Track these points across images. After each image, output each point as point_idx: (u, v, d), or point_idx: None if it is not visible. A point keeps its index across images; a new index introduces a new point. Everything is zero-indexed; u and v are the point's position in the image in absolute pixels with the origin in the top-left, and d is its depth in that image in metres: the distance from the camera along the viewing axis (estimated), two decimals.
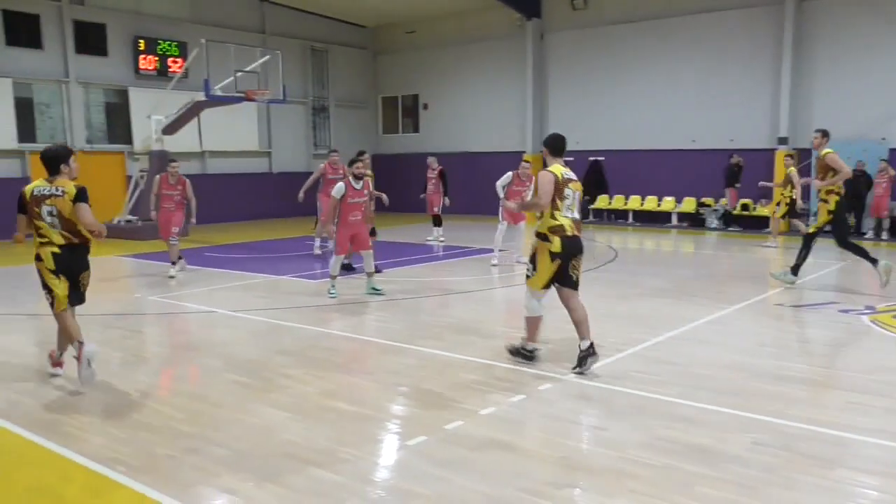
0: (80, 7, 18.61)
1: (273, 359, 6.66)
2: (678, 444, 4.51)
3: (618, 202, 20.91)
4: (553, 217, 6.04)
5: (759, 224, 18.15)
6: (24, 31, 17.76)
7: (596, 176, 21.19)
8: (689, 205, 19.62)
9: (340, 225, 9.45)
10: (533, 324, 6.32)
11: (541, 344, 6.44)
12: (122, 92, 19.63)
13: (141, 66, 19.72)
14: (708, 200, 19.30)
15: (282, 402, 5.40)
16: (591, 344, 6.04)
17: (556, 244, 6.03)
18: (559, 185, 6.03)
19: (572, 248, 6.08)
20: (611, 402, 5.33)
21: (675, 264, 13.19)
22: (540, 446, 4.52)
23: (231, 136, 21.51)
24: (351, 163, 9.66)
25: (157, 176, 11.95)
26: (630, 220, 20.58)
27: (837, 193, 9.76)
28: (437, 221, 15.95)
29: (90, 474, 4.21)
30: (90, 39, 18.88)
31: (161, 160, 16.99)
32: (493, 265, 11.96)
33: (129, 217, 17.89)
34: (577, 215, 6.20)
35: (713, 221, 18.89)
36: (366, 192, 9.60)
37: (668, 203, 20.11)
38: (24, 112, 17.96)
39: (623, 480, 4.02)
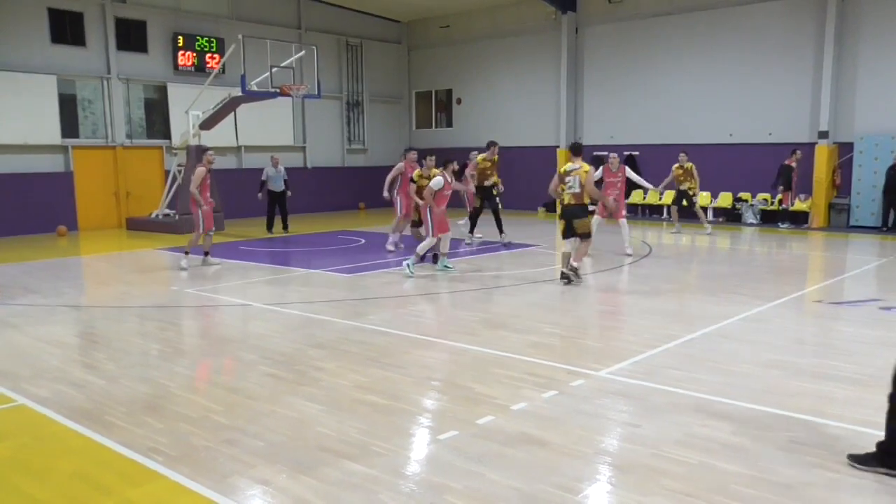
0: (121, 5, 18.94)
1: (307, 352, 6.73)
2: (714, 441, 4.46)
3: (653, 197, 20.66)
4: (561, 193, 9.90)
5: (800, 219, 17.88)
6: (69, 29, 18.15)
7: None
8: (725, 200, 19.33)
9: (434, 211, 10.81)
10: (564, 256, 9.97)
11: (568, 268, 9.80)
12: (161, 88, 19.95)
13: (179, 63, 20.00)
14: (745, 195, 18.99)
15: (315, 395, 5.46)
16: (577, 268, 9.84)
17: (559, 210, 10.22)
18: (562, 177, 9.89)
19: (566, 214, 9.89)
20: (645, 399, 5.28)
21: (710, 260, 13.00)
22: (573, 442, 4.50)
23: (267, 131, 21.72)
24: (445, 163, 11.04)
25: (201, 168, 11.71)
26: (665, 215, 20.33)
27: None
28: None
29: (129, 463, 4.30)
30: (131, 36, 19.23)
31: (198, 155, 17.24)
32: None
33: (167, 211, 18.22)
34: (576, 190, 9.67)
35: (750, 217, 18.57)
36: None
37: (703, 198, 19.80)
38: (68, 108, 18.35)
39: (657, 478, 3.99)
